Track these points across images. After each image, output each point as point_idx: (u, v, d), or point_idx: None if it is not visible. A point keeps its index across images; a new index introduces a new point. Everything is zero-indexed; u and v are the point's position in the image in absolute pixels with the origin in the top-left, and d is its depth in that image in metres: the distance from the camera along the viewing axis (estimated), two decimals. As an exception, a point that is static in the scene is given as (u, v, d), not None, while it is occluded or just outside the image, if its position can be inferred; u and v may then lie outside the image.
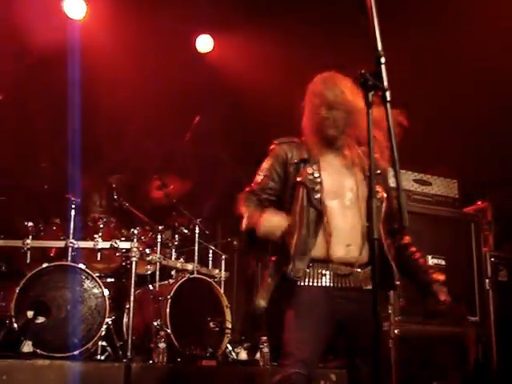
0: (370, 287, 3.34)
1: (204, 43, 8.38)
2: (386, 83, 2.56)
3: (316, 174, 3.34)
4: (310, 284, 3.27)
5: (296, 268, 3.24)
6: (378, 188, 3.36)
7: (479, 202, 6.41)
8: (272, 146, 3.51)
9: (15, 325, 5.19)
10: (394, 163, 2.52)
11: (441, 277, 3.49)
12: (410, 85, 6.56)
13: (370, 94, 2.58)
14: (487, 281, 5.90)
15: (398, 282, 3.38)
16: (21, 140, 7.29)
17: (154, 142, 7.95)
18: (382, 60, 2.57)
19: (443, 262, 5.70)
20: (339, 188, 3.37)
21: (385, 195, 3.41)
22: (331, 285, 3.28)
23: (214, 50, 8.39)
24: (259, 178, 3.47)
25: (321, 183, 3.33)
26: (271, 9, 7.56)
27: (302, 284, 3.27)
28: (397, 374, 5.28)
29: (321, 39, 7.00)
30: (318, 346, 3.24)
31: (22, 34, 7.04)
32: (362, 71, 2.57)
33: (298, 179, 3.36)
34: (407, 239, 3.59)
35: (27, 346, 5.08)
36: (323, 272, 3.28)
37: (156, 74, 7.84)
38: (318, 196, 3.30)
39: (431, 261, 5.64)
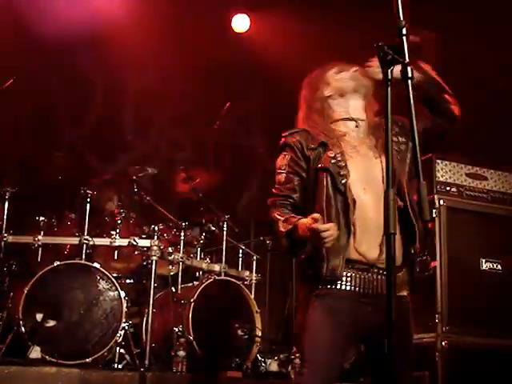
0: (404, 293, 3.24)
1: (240, 23, 8.35)
2: (407, 57, 2.44)
3: (339, 158, 3.22)
4: (335, 287, 3.16)
5: (331, 267, 3.12)
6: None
7: (542, 200, 6.17)
8: (282, 140, 3.38)
9: (23, 328, 5.19)
10: (414, 148, 2.40)
11: None
12: (472, 67, 6.43)
13: (390, 70, 2.47)
14: (549, 288, 5.69)
15: None
16: (38, 127, 7.33)
17: (183, 130, 7.93)
18: (404, 31, 2.45)
19: (499, 267, 5.50)
20: (369, 175, 3.24)
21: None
22: (360, 290, 3.16)
23: (251, 29, 8.34)
24: (281, 176, 3.33)
25: (346, 167, 3.20)
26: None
27: (327, 287, 3.17)
28: (444, 391, 5.12)
29: (363, 17, 6.85)
30: (337, 354, 3.16)
31: (41, 17, 7.09)
32: (380, 44, 2.45)
33: (320, 165, 3.24)
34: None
35: (35, 352, 5.09)
36: (350, 275, 3.16)
37: (188, 56, 7.83)
38: (344, 181, 3.18)
39: (485, 265, 5.46)
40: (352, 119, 3.37)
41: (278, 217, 3.20)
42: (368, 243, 3.16)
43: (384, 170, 3.17)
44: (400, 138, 3.31)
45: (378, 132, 3.29)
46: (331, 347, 3.12)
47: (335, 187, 3.18)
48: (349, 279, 3.15)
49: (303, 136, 3.32)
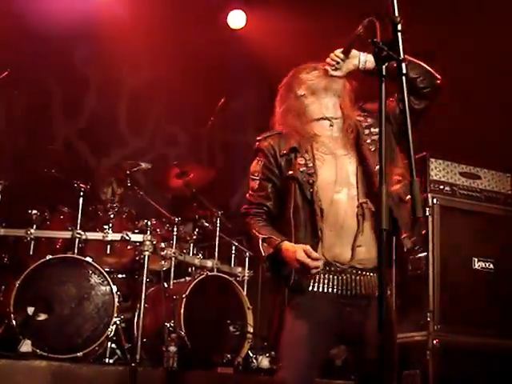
0: (387, 293, 3.22)
1: (236, 19, 8.32)
2: (402, 54, 2.43)
3: (310, 164, 3.19)
4: (312, 289, 3.13)
5: (299, 279, 3.11)
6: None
7: (535, 200, 6.16)
8: (256, 144, 3.35)
9: (14, 322, 5.17)
10: (408, 146, 2.39)
11: None
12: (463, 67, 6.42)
13: (384, 66, 2.46)
14: (542, 288, 5.68)
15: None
16: (32, 120, 7.31)
17: (178, 126, 7.90)
18: (399, 27, 2.44)
19: (491, 266, 5.49)
20: (341, 175, 3.21)
21: None
22: (338, 292, 3.13)
23: (247, 26, 8.33)
24: (254, 183, 3.30)
25: (315, 174, 3.17)
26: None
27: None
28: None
29: (360, 12, 6.83)
30: (315, 352, 3.11)
31: (38, 10, 7.07)
32: (375, 39, 2.44)
33: (289, 173, 3.21)
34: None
35: (26, 346, 5.06)
36: (328, 277, 3.13)
37: (183, 52, 7.81)
38: (311, 190, 3.15)
39: (477, 264, 5.45)
40: (326, 118, 3.33)
41: (257, 234, 3.18)
42: (341, 245, 3.13)
43: (357, 167, 3.21)
44: (373, 129, 3.28)
45: (352, 129, 3.30)
46: (308, 345, 3.07)
47: (303, 196, 3.16)
48: (326, 281, 3.13)
49: (276, 140, 3.29)
